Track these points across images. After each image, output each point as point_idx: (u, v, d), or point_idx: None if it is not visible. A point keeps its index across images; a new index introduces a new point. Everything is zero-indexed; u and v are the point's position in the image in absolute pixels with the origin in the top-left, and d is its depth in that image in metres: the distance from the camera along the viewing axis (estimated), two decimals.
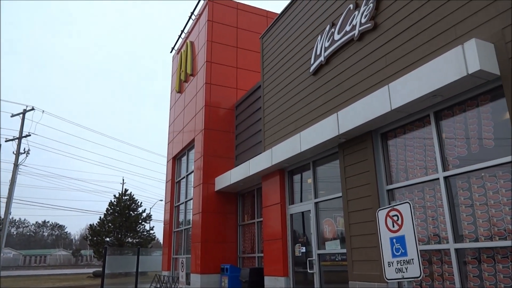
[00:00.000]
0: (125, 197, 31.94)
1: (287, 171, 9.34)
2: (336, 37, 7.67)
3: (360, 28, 7.00)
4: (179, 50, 17.50)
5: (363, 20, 6.96)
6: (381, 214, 4.77)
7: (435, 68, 5.06)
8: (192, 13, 15.83)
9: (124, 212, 30.65)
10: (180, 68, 16.33)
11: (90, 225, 31.05)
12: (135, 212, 31.67)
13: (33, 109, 26.32)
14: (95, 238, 29.51)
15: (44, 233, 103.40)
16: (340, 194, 7.28)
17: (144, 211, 32.39)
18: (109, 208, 30.95)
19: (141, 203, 32.62)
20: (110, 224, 30.06)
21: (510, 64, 4.52)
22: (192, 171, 13.86)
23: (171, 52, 18.53)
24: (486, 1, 4.89)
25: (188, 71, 15.18)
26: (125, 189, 32.69)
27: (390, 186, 6.28)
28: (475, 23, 4.98)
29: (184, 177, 15.34)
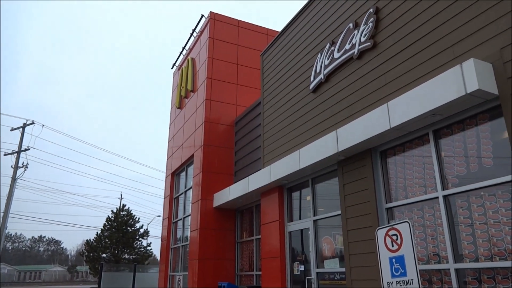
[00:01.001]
0: (123, 213, 31.68)
1: (286, 188, 9.30)
2: (336, 55, 7.74)
3: (359, 47, 7.08)
4: (180, 66, 17.64)
5: (362, 39, 7.04)
6: (380, 233, 4.72)
7: (434, 87, 5.09)
8: (193, 30, 16.02)
9: (121, 227, 30.35)
10: (181, 84, 16.43)
11: (87, 240, 30.69)
12: (133, 228, 31.36)
13: (33, 123, 26.38)
14: (91, 254, 29.15)
15: (40, 248, 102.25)
16: (339, 212, 7.23)
17: (141, 227, 32.08)
18: (106, 223, 30.66)
19: (138, 218, 32.32)
20: (107, 240, 29.74)
21: (509, 84, 4.55)
22: (191, 187, 13.80)
23: (172, 68, 18.69)
24: (484, 21, 4.96)
25: (189, 87, 15.27)
26: (123, 204, 32.47)
27: (389, 205, 6.24)
28: (474, 43, 5.04)
29: (182, 193, 15.26)
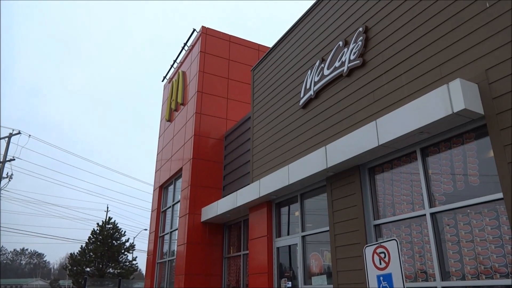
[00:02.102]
0: (109, 226, 31.19)
1: (274, 203, 9.27)
2: (326, 72, 7.84)
3: (349, 65, 7.18)
4: (170, 79, 17.65)
5: (352, 57, 7.15)
6: (368, 251, 4.72)
7: (421, 105, 5.17)
8: (185, 43, 16.09)
9: (106, 241, 29.83)
10: (171, 97, 16.42)
11: (71, 254, 30.09)
12: (118, 242, 30.85)
13: (19, 133, 25.99)
14: (75, 268, 28.53)
15: (21, 261, 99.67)
16: (327, 228, 7.22)
17: (127, 240, 31.61)
18: (92, 236, 30.12)
19: (124, 232, 31.85)
20: (91, 253, 29.18)
21: (494, 104, 4.65)
22: (179, 201, 13.67)
23: (162, 81, 18.68)
24: (470, 43, 5.08)
25: (179, 100, 15.26)
26: (109, 217, 32.00)
27: (377, 221, 6.25)
28: (460, 63, 5.15)
29: (170, 207, 15.10)
